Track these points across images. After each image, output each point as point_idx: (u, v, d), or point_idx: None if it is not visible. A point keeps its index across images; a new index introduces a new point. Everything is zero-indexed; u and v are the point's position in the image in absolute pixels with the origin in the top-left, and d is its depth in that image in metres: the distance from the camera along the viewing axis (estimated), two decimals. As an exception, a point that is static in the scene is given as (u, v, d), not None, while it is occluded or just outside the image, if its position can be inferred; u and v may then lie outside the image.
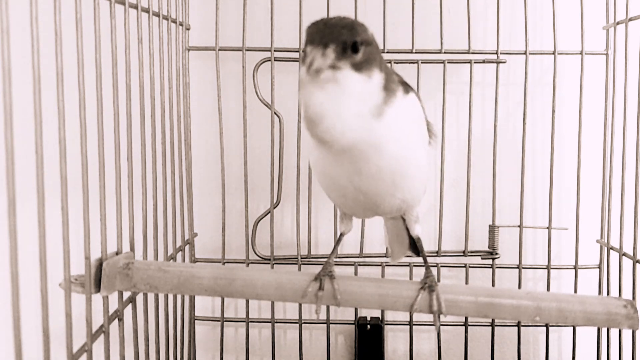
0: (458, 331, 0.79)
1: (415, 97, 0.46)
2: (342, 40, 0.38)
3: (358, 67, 0.39)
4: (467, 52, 0.73)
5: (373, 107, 0.40)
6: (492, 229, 0.75)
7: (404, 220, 0.56)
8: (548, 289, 0.74)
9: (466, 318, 0.75)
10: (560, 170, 0.77)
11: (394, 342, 0.83)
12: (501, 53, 0.73)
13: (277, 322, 0.76)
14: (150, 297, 0.56)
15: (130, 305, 0.52)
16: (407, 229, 0.57)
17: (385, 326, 0.80)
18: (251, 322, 0.75)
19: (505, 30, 0.77)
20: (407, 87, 0.45)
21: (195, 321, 0.76)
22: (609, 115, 0.71)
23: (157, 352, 0.58)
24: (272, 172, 0.73)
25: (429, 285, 0.49)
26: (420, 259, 0.55)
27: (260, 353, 0.82)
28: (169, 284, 0.48)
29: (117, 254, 0.49)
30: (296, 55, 0.72)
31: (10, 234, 0.34)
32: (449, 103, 0.77)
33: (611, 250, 0.70)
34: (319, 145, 0.41)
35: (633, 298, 0.64)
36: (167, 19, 0.62)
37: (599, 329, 0.71)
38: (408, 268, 0.75)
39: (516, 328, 0.75)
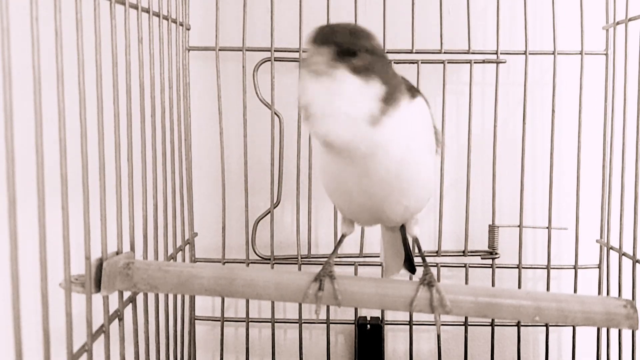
0: (458, 331, 0.79)
1: (422, 106, 0.46)
2: (339, 42, 0.40)
3: (356, 71, 0.40)
4: (467, 52, 0.73)
5: (368, 115, 0.40)
6: (492, 229, 0.75)
7: (402, 233, 0.57)
8: (548, 289, 0.74)
9: (466, 318, 0.75)
10: (560, 170, 0.78)
11: (394, 341, 0.83)
12: (501, 53, 0.73)
13: (277, 322, 0.76)
14: (151, 297, 0.56)
15: (130, 305, 0.52)
16: (405, 244, 0.58)
17: (385, 326, 0.80)
18: (251, 321, 0.75)
19: (505, 30, 0.77)
20: (414, 95, 0.45)
21: (196, 321, 0.76)
22: (609, 116, 0.71)
23: (157, 351, 0.58)
24: (272, 172, 0.73)
25: (427, 281, 0.49)
26: (419, 259, 0.55)
27: (260, 353, 0.82)
28: (169, 284, 0.48)
29: (117, 253, 0.49)
30: (296, 55, 0.72)
31: (10, 233, 0.34)
32: (449, 103, 0.77)
33: (611, 250, 0.70)
34: (322, 145, 0.42)
35: (633, 298, 0.64)
36: (167, 19, 0.62)
37: (598, 329, 0.71)
38: (408, 268, 0.75)
39: (516, 328, 0.75)
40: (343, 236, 0.53)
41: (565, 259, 0.77)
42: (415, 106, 0.45)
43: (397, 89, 0.42)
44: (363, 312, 0.78)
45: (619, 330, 0.67)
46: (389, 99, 0.41)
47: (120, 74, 0.48)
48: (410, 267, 0.60)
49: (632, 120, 0.64)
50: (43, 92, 0.36)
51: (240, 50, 0.72)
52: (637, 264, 0.64)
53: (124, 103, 0.49)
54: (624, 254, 0.67)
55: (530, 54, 0.72)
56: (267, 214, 0.74)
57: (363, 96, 0.41)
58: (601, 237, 0.72)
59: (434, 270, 0.71)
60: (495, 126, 0.72)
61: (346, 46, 0.40)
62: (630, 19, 0.66)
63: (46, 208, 0.37)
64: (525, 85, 0.72)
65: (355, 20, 0.72)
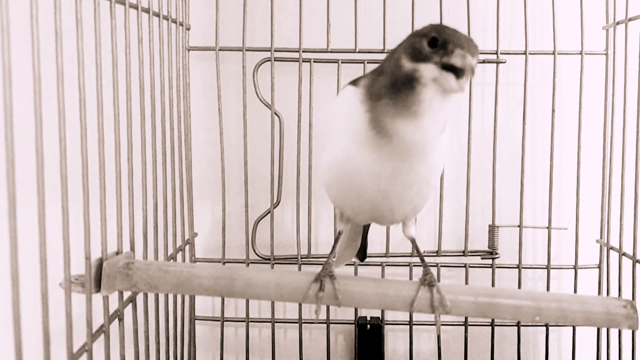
0: (458, 331, 0.79)
1: None
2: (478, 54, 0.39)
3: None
4: (467, 52, 0.73)
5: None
6: (492, 229, 0.75)
7: (364, 225, 0.58)
8: (548, 289, 0.74)
9: (466, 318, 0.75)
10: (560, 170, 0.78)
11: (394, 342, 0.83)
12: (501, 53, 0.73)
13: (277, 322, 0.76)
14: (151, 297, 0.56)
15: (130, 305, 0.52)
16: (363, 237, 0.60)
17: (385, 326, 0.80)
18: (251, 322, 0.75)
19: (505, 30, 0.77)
20: None
21: (196, 321, 0.76)
22: (609, 115, 0.71)
23: (157, 351, 0.58)
24: (272, 172, 0.73)
25: (428, 281, 0.49)
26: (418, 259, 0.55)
27: (260, 353, 0.82)
28: (169, 284, 0.48)
29: (117, 253, 0.49)
30: (296, 55, 0.72)
31: (10, 233, 0.34)
32: (449, 103, 0.77)
33: (611, 250, 0.70)
34: (377, 142, 0.41)
35: (633, 298, 0.64)
36: (167, 19, 0.62)
37: (598, 329, 0.71)
38: (408, 268, 0.75)
39: (516, 328, 0.75)
40: (340, 233, 0.53)
41: (565, 259, 0.77)
42: None
43: None
44: (363, 312, 0.78)
45: (619, 331, 0.67)
46: None
47: (120, 74, 0.48)
48: (363, 256, 0.62)
49: (632, 120, 0.64)
50: (43, 92, 0.36)
51: (240, 50, 0.72)
52: (637, 264, 0.64)
53: (124, 103, 0.49)
54: (624, 254, 0.67)
55: (530, 54, 0.72)
56: (267, 214, 0.74)
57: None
58: (601, 237, 0.72)
59: (434, 270, 0.71)
60: (495, 126, 0.72)
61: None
62: (630, 19, 0.66)
63: (46, 208, 0.37)
64: (525, 85, 0.72)
65: (356, 20, 0.72)
